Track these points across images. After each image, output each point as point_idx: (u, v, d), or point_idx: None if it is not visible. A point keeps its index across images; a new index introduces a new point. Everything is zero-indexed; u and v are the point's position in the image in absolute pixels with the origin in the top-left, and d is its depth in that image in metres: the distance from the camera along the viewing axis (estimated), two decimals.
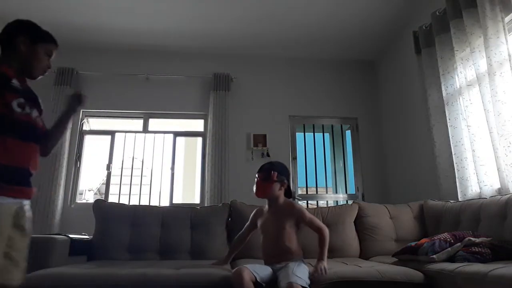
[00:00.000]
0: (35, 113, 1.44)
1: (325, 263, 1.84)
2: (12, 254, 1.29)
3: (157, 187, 4.41)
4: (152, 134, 4.51)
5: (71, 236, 2.30)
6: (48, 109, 4.14)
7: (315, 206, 3.93)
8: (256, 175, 2.08)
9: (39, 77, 1.53)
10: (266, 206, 2.13)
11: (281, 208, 2.05)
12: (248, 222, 2.22)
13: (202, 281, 1.81)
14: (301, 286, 1.66)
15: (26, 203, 1.39)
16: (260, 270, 1.81)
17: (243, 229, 2.24)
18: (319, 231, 1.97)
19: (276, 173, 2.02)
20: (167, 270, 1.91)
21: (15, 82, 1.39)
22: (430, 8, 3.24)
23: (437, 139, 3.11)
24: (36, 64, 1.49)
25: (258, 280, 1.74)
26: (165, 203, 4.31)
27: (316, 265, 1.83)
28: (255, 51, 4.63)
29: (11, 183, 1.30)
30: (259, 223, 2.13)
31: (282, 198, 2.08)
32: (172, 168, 4.36)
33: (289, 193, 2.12)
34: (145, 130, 4.46)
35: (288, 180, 2.10)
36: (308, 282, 1.74)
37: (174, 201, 4.31)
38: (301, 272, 1.77)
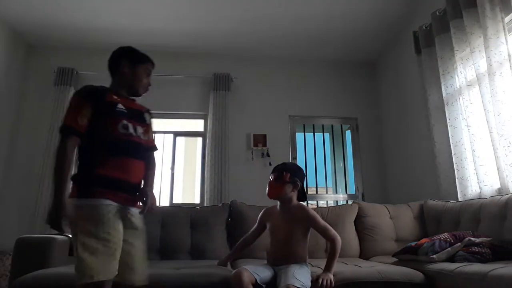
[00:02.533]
0: (139, 130, 1.59)
1: (331, 275, 1.76)
2: (129, 256, 1.46)
3: (157, 187, 4.42)
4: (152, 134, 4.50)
5: (71, 236, 2.30)
6: (48, 109, 4.17)
7: (315, 206, 3.93)
8: (270, 175, 2.03)
9: (144, 94, 1.70)
10: (278, 208, 2.07)
11: (293, 211, 1.99)
12: (256, 224, 2.15)
13: (202, 281, 1.81)
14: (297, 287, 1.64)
15: (133, 209, 1.53)
16: (261, 271, 1.80)
17: (249, 232, 2.17)
18: (332, 242, 1.87)
19: (288, 174, 1.98)
20: (167, 270, 1.91)
21: (119, 106, 1.56)
22: (430, 8, 3.24)
23: (437, 139, 3.11)
24: (138, 83, 1.66)
25: (258, 281, 1.73)
26: (165, 203, 4.31)
27: (321, 275, 1.76)
28: (255, 51, 4.64)
29: (113, 189, 1.45)
30: (268, 224, 2.07)
31: (294, 200, 2.03)
32: (172, 168, 4.36)
33: (303, 196, 2.08)
34: None
35: (302, 182, 2.05)
36: (309, 285, 1.73)
37: (174, 201, 4.32)
38: (302, 275, 1.75)
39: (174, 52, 4.59)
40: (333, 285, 1.74)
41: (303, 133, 4.68)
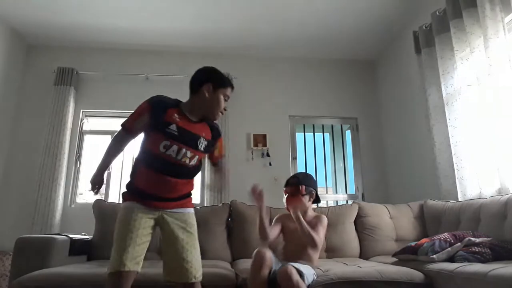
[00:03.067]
0: (184, 153, 1.62)
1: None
2: (184, 255, 1.60)
3: None
4: None
5: (71, 236, 2.30)
6: (48, 109, 4.17)
7: (315, 206, 3.93)
8: (283, 189, 2.18)
9: (218, 118, 1.74)
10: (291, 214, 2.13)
11: (310, 220, 2.09)
12: (273, 225, 2.19)
13: (202, 280, 1.81)
14: (295, 269, 1.68)
15: (168, 211, 1.64)
16: (275, 262, 1.86)
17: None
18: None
19: (303, 187, 2.10)
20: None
21: (172, 127, 1.61)
22: (430, 8, 3.24)
23: (437, 139, 3.11)
24: (216, 108, 1.69)
25: (273, 269, 1.80)
26: None
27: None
28: (255, 51, 4.63)
29: (141, 198, 1.62)
30: (284, 227, 2.16)
31: (311, 209, 2.18)
32: None
33: (317, 200, 2.22)
34: None
35: (316, 189, 2.17)
36: (309, 280, 1.75)
37: None
38: (305, 269, 1.78)
39: (174, 52, 4.59)
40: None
41: (303, 133, 4.68)
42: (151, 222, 1.61)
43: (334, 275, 1.82)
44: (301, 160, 4.54)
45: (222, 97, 1.69)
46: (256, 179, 4.31)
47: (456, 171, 2.86)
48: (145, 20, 4.00)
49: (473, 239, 1.94)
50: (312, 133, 4.70)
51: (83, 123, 4.39)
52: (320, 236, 2.01)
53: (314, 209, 2.87)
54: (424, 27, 3.35)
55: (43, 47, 4.47)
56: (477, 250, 1.85)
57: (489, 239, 1.93)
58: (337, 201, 4.55)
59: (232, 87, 1.76)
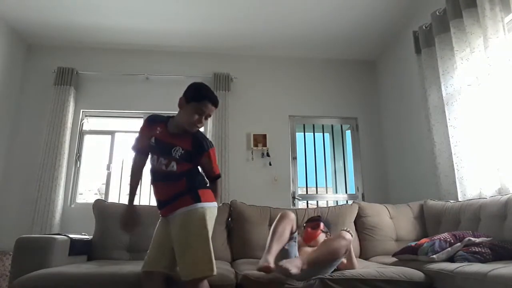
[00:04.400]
0: (162, 161, 1.79)
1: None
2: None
3: None
4: None
5: (71, 236, 2.30)
6: (48, 109, 4.17)
7: (315, 206, 3.93)
8: (304, 225, 2.37)
9: (196, 130, 1.83)
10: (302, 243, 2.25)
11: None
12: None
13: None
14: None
15: (171, 216, 1.78)
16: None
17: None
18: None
19: (323, 224, 2.31)
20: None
21: (152, 140, 1.83)
22: (430, 8, 3.24)
23: (437, 139, 3.11)
24: (187, 120, 1.78)
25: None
26: None
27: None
28: (255, 51, 4.64)
29: (158, 207, 1.86)
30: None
31: None
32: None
33: None
34: None
35: (330, 231, 2.36)
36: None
37: None
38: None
39: (174, 52, 4.59)
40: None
41: (303, 133, 4.68)
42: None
43: (334, 275, 1.82)
44: (301, 160, 4.54)
45: (194, 110, 1.77)
46: (256, 179, 4.36)
47: (456, 171, 2.85)
48: (145, 20, 4.00)
49: (473, 239, 1.94)
50: (312, 133, 4.70)
51: (83, 123, 4.39)
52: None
53: (313, 209, 2.88)
54: (424, 27, 3.35)
55: (43, 47, 4.47)
56: (477, 250, 1.84)
57: (489, 239, 1.93)
58: (337, 201, 4.55)
59: (213, 103, 1.84)
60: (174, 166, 1.78)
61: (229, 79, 4.45)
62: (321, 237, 2.24)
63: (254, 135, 4.37)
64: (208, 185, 1.90)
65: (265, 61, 4.73)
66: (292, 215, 2.10)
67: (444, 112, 3.01)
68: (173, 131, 1.83)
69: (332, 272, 1.90)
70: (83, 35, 4.27)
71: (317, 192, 4.63)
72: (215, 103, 1.86)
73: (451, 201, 2.69)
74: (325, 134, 4.87)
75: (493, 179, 2.52)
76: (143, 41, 4.41)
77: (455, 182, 2.88)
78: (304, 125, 4.70)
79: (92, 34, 4.25)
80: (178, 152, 1.78)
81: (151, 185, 1.87)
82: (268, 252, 1.86)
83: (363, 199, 4.34)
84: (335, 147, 4.95)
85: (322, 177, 4.64)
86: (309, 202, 4.63)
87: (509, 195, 2.11)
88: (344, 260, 2.10)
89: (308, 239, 2.23)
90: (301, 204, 4.45)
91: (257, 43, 4.46)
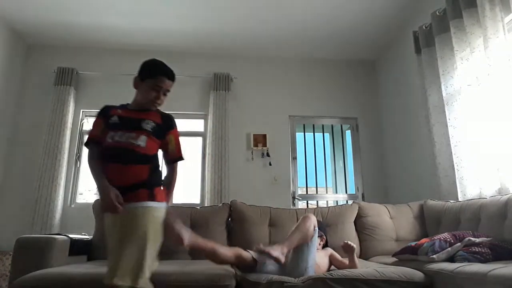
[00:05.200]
0: (131, 136, 1.63)
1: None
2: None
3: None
4: None
5: (71, 236, 2.30)
6: (48, 109, 4.17)
7: (315, 206, 3.93)
8: None
9: (157, 107, 1.75)
10: None
11: (321, 257, 2.17)
12: None
13: (203, 280, 1.81)
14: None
15: (131, 206, 1.57)
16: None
17: None
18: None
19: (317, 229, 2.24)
20: (167, 269, 1.91)
21: (113, 119, 1.70)
22: (430, 8, 3.24)
23: (437, 139, 3.11)
24: (145, 98, 1.71)
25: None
26: None
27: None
28: (255, 51, 4.64)
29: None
30: None
31: (320, 249, 2.27)
32: None
33: (326, 245, 2.35)
34: None
35: (326, 235, 2.35)
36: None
37: (174, 201, 4.31)
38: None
39: (174, 52, 4.59)
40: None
41: (303, 133, 4.68)
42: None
43: (334, 274, 1.82)
44: (301, 160, 4.54)
45: (150, 87, 1.70)
46: (256, 179, 4.36)
47: (456, 171, 2.85)
48: (145, 20, 4.00)
49: (473, 239, 1.94)
50: (312, 133, 4.70)
51: (83, 123, 4.39)
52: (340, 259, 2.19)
53: (313, 209, 2.88)
54: (424, 27, 3.35)
55: (43, 47, 4.47)
56: (477, 250, 1.84)
57: (489, 239, 1.93)
58: (337, 201, 4.55)
59: (168, 77, 1.73)
60: (144, 141, 1.63)
61: (229, 79, 4.45)
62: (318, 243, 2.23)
63: (254, 135, 4.37)
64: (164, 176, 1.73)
65: (265, 61, 4.72)
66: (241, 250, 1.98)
67: (444, 112, 3.01)
68: (136, 109, 1.74)
69: (330, 270, 1.92)
70: (83, 35, 4.27)
71: (317, 192, 4.63)
72: (171, 77, 1.75)
73: (451, 201, 2.69)
74: (325, 134, 4.87)
75: (493, 179, 2.51)
76: (143, 41, 4.41)
77: (455, 182, 2.88)
78: (304, 125, 4.70)
79: (92, 34, 4.25)
80: (149, 125, 1.67)
81: (103, 168, 1.62)
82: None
83: (363, 199, 4.34)
84: (335, 147, 4.95)
85: (322, 177, 4.64)
86: (309, 202, 4.63)
87: (509, 195, 2.11)
88: (346, 261, 2.10)
89: None
90: (301, 204, 4.45)
91: (257, 43, 4.46)
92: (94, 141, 1.72)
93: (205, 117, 4.50)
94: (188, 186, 6.57)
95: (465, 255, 1.85)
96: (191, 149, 4.79)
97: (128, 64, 4.51)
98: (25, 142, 4.14)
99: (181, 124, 4.66)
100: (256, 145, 4.34)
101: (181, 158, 1.82)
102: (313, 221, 1.99)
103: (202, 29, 4.19)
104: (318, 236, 2.22)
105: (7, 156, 4.07)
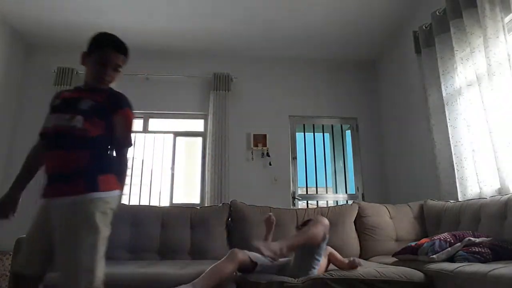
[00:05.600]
0: (65, 117, 1.47)
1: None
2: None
3: (157, 187, 4.41)
4: (152, 134, 4.51)
5: None
6: (48, 109, 4.15)
7: (315, 206, 3.93)
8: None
9: (106, 84, 1.59)
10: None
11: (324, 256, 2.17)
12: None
13: None
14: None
15: (54, 202, 1.46)
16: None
17: None
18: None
19: None
20: (167, 269, 1.91)
21: (56, 102, 1.56)
22: (430, 8, 3.23)
23: (437, 139, 3.11)
24: (92, 74, 1.57)
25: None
26: (165, 203, 4.31)
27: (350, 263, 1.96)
28: (255, 51, 4.63)
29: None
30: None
31: None
32: (172, 168, 4.36)
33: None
34: (145, 130, 4.46)
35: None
36: None
37: (174, 201, 4.31)
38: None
39: (174, 52, 4.59)
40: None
41: (303, 133, 4.68)
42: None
43: (334, 274, 1.82)
44: (301, 160, 4.54)
45: (98, 61, 1.55)
46: (256, 179, 4.35)
47: (456, 171, 2.85)
48: (145, 20, 4.00)
49: (473, 239, 1.94)
50: (312, 133, 4.70)
51: None
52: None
53: (313, 209, 2.88)
54: (424, 27, 3.35)
55: (43, 47, 4.47)
56: (477, 250, 1.84)
57: (489, 239, 1.93)
58: (337, 201, 4.55)
59: (118, 49, 1.58)
60: (80, 121, 1.43)
61: (229, 79, 4.45)
62: None
63: (254, 135, 4.37)
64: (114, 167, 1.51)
65: (265, 61, 4.72)
66: (240, 254, 1.88)
67: (444, 112, 3.01)
68: (85, 89, 1.57)
69: (328, 270, 1.91)
70: (83, 35, 4.23)
71: (317, 192, 4.63)
72: (121, 49, 1.59)
73: (451, 201, 2.69)
74: (325, 134, 4.86)
75: (493, 179, 2.52)
76: (143, 41, 4.41)
77: (455, 182, 2.88)
78: (304, 125, 4.70)
79: (92, 34, 4.23)
80: (87, 104, 1.47)
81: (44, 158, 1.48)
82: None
83: (363, 199, 4.34)
84: (335, 147, 4.95)
85: (322, 177, 4.64)
86: (309, 202, 4.63)
87: (509, 195, 2.11)
88: (346, 260, 2.09)
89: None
90: (301, 204, 4.45)
91: (257, 43, 4.46)
92: (42, 135, 1.56)
93: (205, 117, 4.50)
94: (188, 186, 6.58)
95: (465, 255, 1.85)
96: (191, 149, 4.79)
97: (128, 64, 4.51)
98: (25, 142, 4.12)
99: (181, 124, 4.68)
100: (256, 145, 4.34)
101: (127, 145, 1.59)
102: (324, 227, 1.93)
103: (202, 29, 4.18)
104: None
105: (7, 156, 4.07)
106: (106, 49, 1.57)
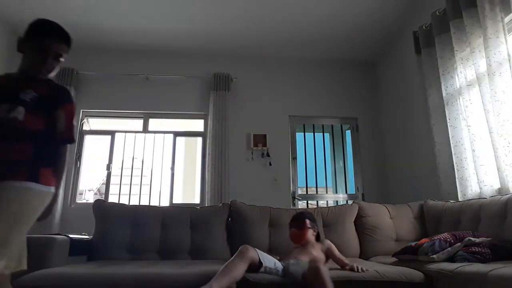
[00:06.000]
0: (4, 108, 1.38)
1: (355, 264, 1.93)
2: None
3: (157, 187, 4.42)
4: (152, 134, 4.51)
5: (71, 236, 2.30)
6: None
7: (315, 206, 3.93)
8: (289, 224, 2.30)
9: (45, 74, 1.50)
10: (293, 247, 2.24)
11: (315, 249, 2.17)
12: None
13: (203, 280, 1.81)
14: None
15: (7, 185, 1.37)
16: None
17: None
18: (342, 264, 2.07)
19: (308, 221, 2.26)
20: (168, 269, 1.91)
21: None
22: (430, 8, 3.24)
23: (437, 139, 3.11)
24: (28, 64, 1.48)
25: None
26: (165, 203, 4.31)
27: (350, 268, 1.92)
28: (255, 51, 4.64)
29: None
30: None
31: (313, 241, 2.25)
32: (172, 168, 4.36)
33: (318, 237, 2.33)
34: (145, 130, 4.46)
35: (317, 226, 2.34)
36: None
37: (174, 201, 4.32)
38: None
39: (174, 52, 4.59)
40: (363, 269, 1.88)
41: (303, 133, 4.68)
42: None
43: (334, 275, 1.82)
44: (301, 160, 4.54)
45: (36, 49, 1.45)
46: (256, 179, 4.36)
47: (456, 171, 2.86)
48: (145, 20, 4.00)
49: (473, 239, 1.94)
50: (312, 133, 4.70)
51: (83, 123, 4.39)
52: (342, 257, 2.14)
53: (313, 209, 2.88)
54: (424, 27, 3.35)
55: None
56: (477, 250, 1.84)
57: (489, 239, 1.93)
58: (337, 201, 4.55)
59: (60, 38, 1.49)
60: (21, 113, 1.37)
61: (229, 79, 4.45)
62: (309, 234, 2.23)
63: (254, 135, 4.37)
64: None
65: (265, 61, 4.73)
66: (251, 252, 1.86)
67: (444, 112, 3.01)
68: (21, 78, 1.47)
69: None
70: (83, 35, 4.26)
71: (317, 192, 4.63)
72: (62, 37, 1.50)
73: (451, 201, 2.69)
74: (325, 134, 4.87)
75: (493, 179, 2.52)
76: (143, 41, 4.41)
77: (455, 182, 2.88)
78: (304, 125, 4.70)
79: (92, 34, 4.24)
80: (29, 95, 1.40)
81: None
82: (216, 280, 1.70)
83: (363, 199, 4.34)
84: (335, 147, 4.95)
85: (322, 177, 4.64)
86: (309, 202, 4.63)
87: (509, 195, 2.11)
88: (344, 259, 2.09)
89: (298, 241, 2.22)
90: (301, 204, 4.45)
91: (257, 43, 4.46)
92: None
93: (205, 117, 4.50)
94: (188, 186, 6.59)
95: (465, 255, 1.85)
96: (191, 149, 4.80)
97: (128, 64, 4.52)
98: None
99: (181, 124, 4.69)
100: (256, 145, 4.34)
101: (69, 141, 1.55)
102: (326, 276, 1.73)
103: (202, 29, 4.19)
104: (310, 228, 2.25)
105: None
106: (48, 37, 1.47)
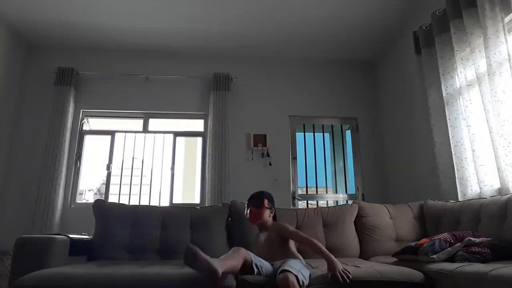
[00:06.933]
0: None
1: (339, 264, 1.80)
2: None
3: (157, 187, 4.42)
4: (152, 134, 4.51)
5: (71, 236, 2.30)
6: (48, 109, 4.17)
7: (315, 206, 3.93)
8: (246, 203, 2.28)
9: None
10: (257, 231, 2.28)
11: (270, 230, 2.19)
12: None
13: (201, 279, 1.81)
14: (294, 275, 1.67)
15: None
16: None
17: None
18: (306, 242, 2.02)
19: (267, 201, 2.24)
20: (168, 269, 1.91)
21: None
22: (430, 8, 3.24)
23: (437, 139, 3.11)
24: None
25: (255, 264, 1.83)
26: (165, 203, 4.31)
27: (330, 271, 1.78)
28: (255, 51, 4.64)
29: None
30: (253, 246, 2.20)
31: (270, 222, 2.25)
32: (172, 168, 4.36)
33: (275, 218, 2.32)
34: (145, 130, 4.46)
35: (274, 208, 2.32)
36: (306, 278, 1.76)
37: (174, 201, 4.32)
38: (297, 266, 1.79)
39: (174, 52, 4.59)
40: (349, 272, 1.77)
41: (303, 133, 4.68)
42: None
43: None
44: (301, 160, 4.54)
45: None
46: (256, 179, 4.36)
47: (456, 171, 2.86)
48: (145, 20, 4.00)
49: (473, 239, 1.93)
50: (312, 133, 4.70)
51: (83, 123, 4.39)
52: (298, 232, 2.12)
53: (314, 209, 2.88)
54: (424, 27, 3.35)
55: (43, 47, 4.47)
56: (477, 250, 1.84)
57: (489, 239, 1.93)
58: (337, 201, 4.55)
59: None
60: None
61: (229, 79, 4.45)
62: (266, 214, 2.21)
63: (254, 135, 4.37)
64: None
65: (265, 61, 4.73)
66: (244, 251, 1.85)
67: (444, 112, 3.01)
68: None
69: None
70: (83, 35, 4.26)
71: (317, 192, 4.63)
72: None
73: (451, 201, 2.69)
74: (325, 134, 4.87)
75: (493, 179, 2.52)
76: (143, 41, 4.41)
77: (455, 182, 2.88)
78: (304, 125, 4.70)
79: (92, 34, 4.24)
80: None
81: None
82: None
83: (363, 199, 4.34)
84: (335, 147, 4.95)
85: (322, 177, 4.64)
86: (309, 202, 4.63)
87: (509, 195, 2.11)
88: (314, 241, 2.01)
89: (254, 220, 2.21)
90: (301, 204, 4.45)
91: (257, 43, 4.46)
92: None
93: (205, 117, 4.50)
94: (188, 186, 6.59)
95: (465, 255, 1.85)
96: (191, 149, 4.80)
97: (128, 64, 4.52)
98: (25, 142, 4.14)
99: (181, 124, 4.69)
100: (256, 145, 4.34)
101: None
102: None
103: (202, 29, 4.19)
104: (268, 208, 2.23)
105: (8, 156, 4.07)
106: None
